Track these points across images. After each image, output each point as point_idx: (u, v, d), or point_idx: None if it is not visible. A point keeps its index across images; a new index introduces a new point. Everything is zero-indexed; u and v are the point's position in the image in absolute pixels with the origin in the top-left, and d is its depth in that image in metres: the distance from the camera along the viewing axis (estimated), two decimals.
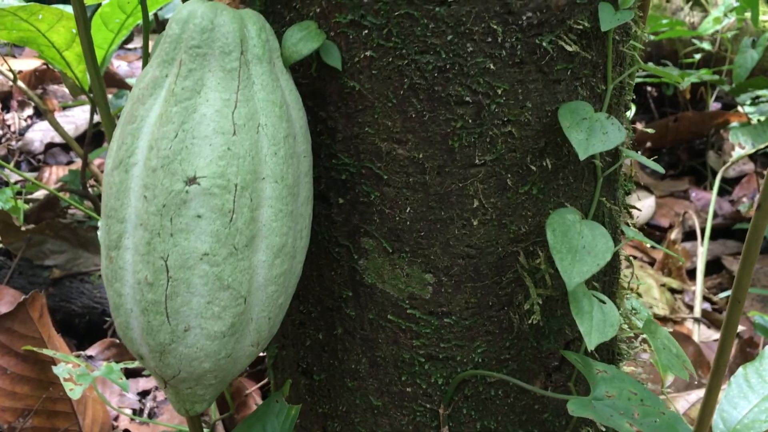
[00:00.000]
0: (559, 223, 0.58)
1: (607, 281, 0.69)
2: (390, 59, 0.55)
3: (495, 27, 0.53)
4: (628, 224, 0.76)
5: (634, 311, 0.76)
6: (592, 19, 0.56)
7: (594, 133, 0.55)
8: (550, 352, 0.66)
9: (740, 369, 0.99)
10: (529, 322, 0.63)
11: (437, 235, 0.61)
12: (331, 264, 0.65)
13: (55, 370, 1.14)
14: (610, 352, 0.73)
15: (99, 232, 1.22)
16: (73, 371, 1.15)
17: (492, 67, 0.55)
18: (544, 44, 0.55)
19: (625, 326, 0.76)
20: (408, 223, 0.60)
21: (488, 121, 0.57)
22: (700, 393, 1.17)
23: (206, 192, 0.50)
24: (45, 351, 1.18)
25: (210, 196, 0.50)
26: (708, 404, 0.87)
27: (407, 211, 0.60)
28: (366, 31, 0.55)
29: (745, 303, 1.73)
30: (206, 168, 0.50)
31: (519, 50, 0.55)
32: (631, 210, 0.72)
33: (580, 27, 0.55)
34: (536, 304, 0.62)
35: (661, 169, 0.63)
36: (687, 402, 1.11)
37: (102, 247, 0.55)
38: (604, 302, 0.60)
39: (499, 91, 0.56)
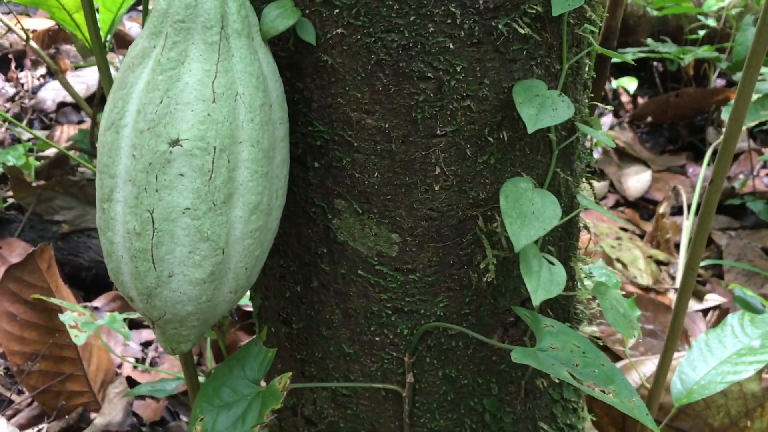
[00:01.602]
0: (512, 190, 0.64)
1: (563, 246, 0.75)
2: (359, 36, 0.61)
3: (454, 10, 0.59)
4: (595, 195, 0.81)
5: (591, 275, 0.81)
6: (546, 4, 0.61)
7: (544, 108, 0.61)
8: (506, 309, 0.72)
9: (702, 335, 1.05)
10: (486, 280, 0.69)
11: (402, 198, 0.66)
12: (308, 222, 0.71)
13: (62, 317, 1.21)
14: (566, 311, 0.79)
15: None
16: (78, 319, 1.22)
17: (451, 46, 0.60)
18: (499, 26, 0.60)
19: (585, 286, 0.82)
20: (376, 186, 0.66)
21: (448, 95, 0.62)
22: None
23: (188, 153, 0.56)
24: (52, 300, 1.25)
25: (191, 156, 0.56)
26: (663, 365, 0.93)
27: (375, 175, 0.66)
28: (337, 11, 0.60)
29: (728, 276, 1.77)
30: (188, 131, 0.56)
31: (476, 31, 0.60)
32: (590, 181, 0.77)
33: (534, 11, 0.60)
34: (491, 264, 0.68)
35: (611, 143, 0.68)
36: (653, 365, 1.16)
37: (96, 200, 0.61)
38: (552, 264, 0.66)
39: (458, 69, 0.61)
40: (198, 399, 0.70)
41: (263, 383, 0.71)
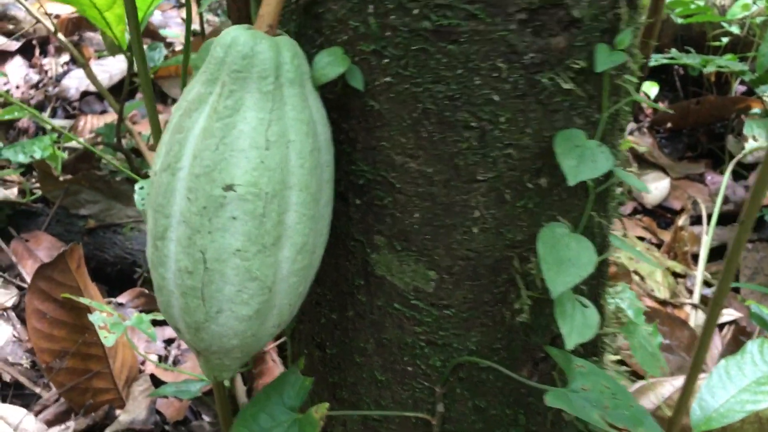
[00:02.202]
0: (549, 236, 0.66)
1: (594, 284, 0.77)
2: (406, 86, 0.62)
3: (500, 65, 0.60)
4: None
5: (620, 310, 0.83)
6: (589, 59, 0.62)
7: (584, 160, 0.62)
8: (537, 345, 0.75)
9: (722, 361, 1.06)
10: (519, 320, 0.71)
11: (441, 238, 0.68)
12: (347, 255, 0.73)
13: (91, 318, 1.24)
14: (594, 346, 0.81)
15: (137, 195, 1.31)
16: (107, 320, 1.25)
17: (496, 98, 0.62)
18: (543, 80, 0.62)
19: (613, 323, 0.84)
20: (416, 226, 0.68)
21: (491, 143, 0.64)
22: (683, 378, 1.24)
23: (241, 198, 0.58)
24: (81, 299, 1.28)
25: (244, 201, 0.58)
26: (686, 393, 0.95)
27: (416, 216, 0.68)
28: (386, 60, 0.62)
29: (744, 290, 1.78)
30: (242, 177, 0.58)
31: (521, 85, 0.61)
32: (621, 219, 0.79)
33: (577, 66, 0.62)
34: (526, 305, 0.70)
35: (647, 189, 0.69)
36: (672, 386, 1.18)
37: (149, 236, 0.63)
38: (586, 306, 0.68)
39: (502, 119, 0.63)
40: (236, 425, 0.72)
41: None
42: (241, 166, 0.58)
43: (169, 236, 0.61)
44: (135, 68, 1.88)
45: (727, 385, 1.03)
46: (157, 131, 0.83)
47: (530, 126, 0.64)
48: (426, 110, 0.63)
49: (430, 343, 0.73)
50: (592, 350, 0.80)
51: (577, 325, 0.66)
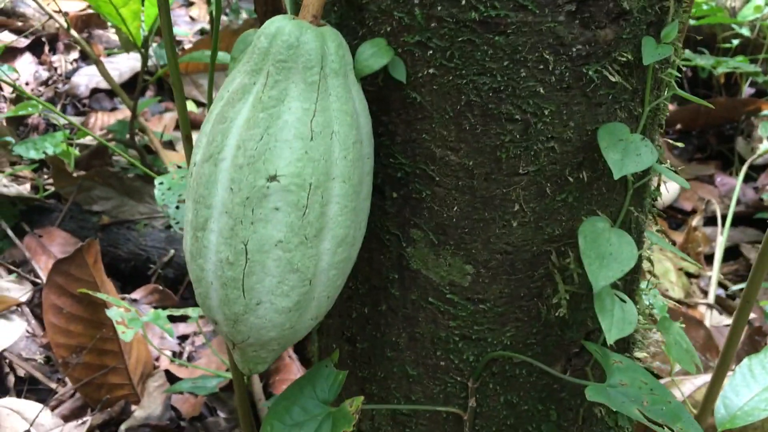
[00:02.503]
0: (590, 230, 0.65)
1: (629, 280, 0.76)
2: (450, 78, 0.62)
3: (547, 56, 0.60)
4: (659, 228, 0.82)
5: (651, 306, 0.83)
6: (635, 52, 0.62)
7: (628, 154, 0.62)
8: (572, 340, 0.74)
9: (745, 360, 1.06)
10: (556, 314, 0.70)
11: (479, 232, 0.68)
12: (381, 249, 0.73)
13: (109, 313, 1.24)
14: (625, 342, 0.81)
15: (157, 190, 1.30)
16: (124, 315, 1.25)
17: (541, 90, 0.61)
18: (590, 73, 0.61)
19: (642, 320, 0.83)
20: (454, 220, 0.68)
21: (534, 136, 0.63)
22: (707, 377, 1.24)
23: (285, 189, 0.58)
24: (99, 294, 1.28)
25: (287, 192, 0.58)
26: (712, 391, 0.95)
27: (454, 209, 0.67)
28: (431, 52, 0.62)
29: (759, 292, 1.79)
30: (286, 168, 0.58)
31: (567, 77, 0.61)
32: (656, 216, 0.79)
33: (624, 59, 0.61)
34: (564, 299, 0.69)
35: (686, 185, 0.69)
36: (693, 385, 1.18)
37: (188, 227, 0.63)
38: (624, 301, 0.67)
39: (546, 112, 0.62)
40: (269, 417, 0.72)
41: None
42: (285, 157, 0.58)
43: (210, 227, 0.60)
44: (148, 65, 1.88)
45: (751, 384, 1.03)
46: (186, 126, 0.83)
47: (573, 119, 0.63)
48: (470, 102, 0.62)
49: (464, 337, 0.73)
50: (624, 346, 0.80)
51: (617, 320, 0.65)
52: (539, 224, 0.68)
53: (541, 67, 0.60)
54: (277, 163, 0.58)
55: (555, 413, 0.77)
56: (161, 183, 1.27)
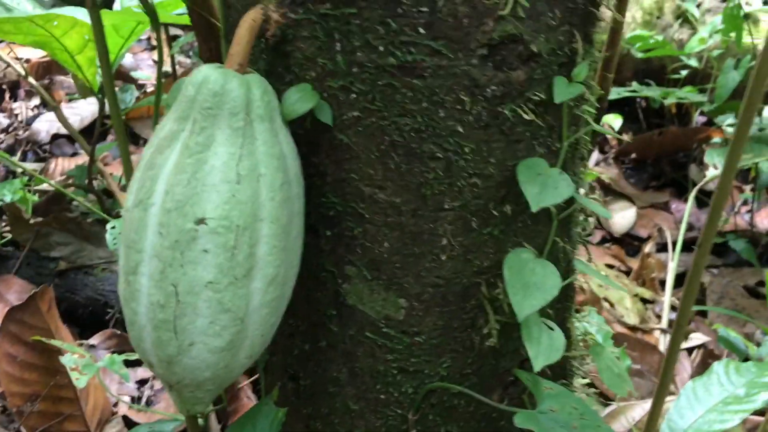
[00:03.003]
0: (515, 261, 0.68)
1: (560, 308, 0.79)
2: (374, 119, 0.65)
3: (464, 97, 0.63)
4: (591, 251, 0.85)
5: (587, 334, 0.85)
6: (548, 91, 0.65)
7: (546, 187, 0.65)
8: (506, 369, 0.76)
9: (689, 383, 1.09)
10: (488, 344, 0.72)
11: (411, 267, 0.70)
12: (318, 286, 0.75)
13: (63, 360, 1.23)
14: (562, 369, 0.83)
15: (108, 234, 1.31)
16: (78, 361, 1.24)
17: (461, 129, 0.64)
18: (506, 112, 0.64)
19: (581, 345, 0.86)
20: (386, 255, 0.70)
21: (456, 173, 0.66)
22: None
23: (213, 231, 0.60)
24: (53, 341, 1.27)
25: (216, 234, 0.60)
26: (654, 415, 0.97)
27: (385, 245, 0.69)
28: (354, 95, 0.64)
29: (712, 314, 1.82)
30: (213, 211, 0.60)
31: (484, 116, 0.64)
32: (586, 244, 0.81)
33: (537, 98, 0.64)
34: (494, 329, 0.71)
35: (608, 215, 0.72)
36: (643, 410, 1.20)
37: (121, 272, 0.64)
38: (552, 329, 0.70)
39: (467, 149, 0.65)
40: None
41: None
42: (213, 200, 0.60)
43: (141, 271, 0.62)
44: (107, 110, 1.89)
45: (695, 406, 1.05)
46: (129, 171, 0.84)
47: (494, 156, 0.66)
48: (393, 142, 0.65)
49: (402, 370, 0.74)
50: (560, 373, 0.82)
51: (543, 347, 0.67)
52: (467, 257, 0.70)
53: (459, 107, 0.63)
54: (204, 207, 0.59)
55: None
56: (113, 227, 1.27)
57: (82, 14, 1.55)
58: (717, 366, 1.10)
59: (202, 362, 0.64)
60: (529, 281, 0.67)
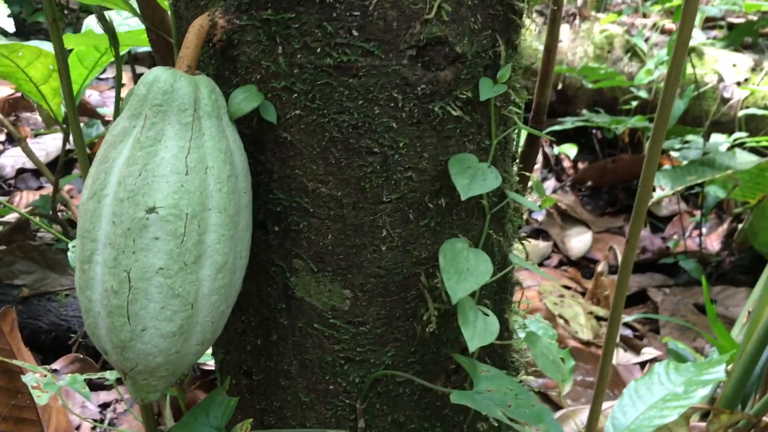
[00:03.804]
0: (450, 249, 0.73)
1: (498, 300, 0.83)
2: (314, 117, 0.70)
3: (396, 95, 0.68)
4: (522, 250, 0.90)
5: (525, 326, 0.90)
6: (475, 90, 0.71)
7: (476, 179, 0.70)
8: (448, 357, 0.80)
9: (632, 382, 1.14)
10: (428, 330, 0.77)
11: (353, 258, 0.74)
12: (268, 281, 0.79)
13: (24, 378, 1.24)
14: (502, 360, 0.87)
15: (70, 253, 1.34)
16: (40, 380, 1.26)
17: (395, 125, 0.69)
18: (435, 109, 0.70)
19: (520, 337, 0.90)
20: (330, 247, 0.74)
21: (393, 167, 0.71)
22: (606, 404, 1.31)
23: (163, 219, 0.64)
24: (14, 361, 1.28)
25: (166, 222, 0.64)
26: (594, 411, 1.01)
27: (329, 238, 0.74)
28: (296, 95, 0.69)
29: (664, 330, 1.88)
30: (163, 200, 0.64)
31: (416, 113, 0.70)
32: (524, 242, 0.87)
33: (464, 96, 0.70)
34: (433, 316, 0.76)
35: (535, 207, 0.77)
36: None
37: (76, 261, 0.68)
38: (487, 315, 0.74)
39: (401, 144, 0.70)
40: None
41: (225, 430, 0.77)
42: (163, 190, 0.64)
43: (95, 259, 0.66)
44: (71, 142, 1.93)
45: (637, 404, 1.10)
46: None
47: (427, 151, 0.71)
48: (333, 138, 0.70)
49: (349, 360, 0.78)
50: (501, 364, 0.86)
51: (479, 330, 0.72)
52: (407, 248, 0.75)
53: (392, 104, 0.69)
54: (155, 196, 0.64)
55: (440, 430, 0.82)
56: (74, 246, 1.30)
57: (47, 45, 1.60)
58: (658, 366, 1.15)
59: (155, 347, 0.67)
60: (462, 267, 0.71)
